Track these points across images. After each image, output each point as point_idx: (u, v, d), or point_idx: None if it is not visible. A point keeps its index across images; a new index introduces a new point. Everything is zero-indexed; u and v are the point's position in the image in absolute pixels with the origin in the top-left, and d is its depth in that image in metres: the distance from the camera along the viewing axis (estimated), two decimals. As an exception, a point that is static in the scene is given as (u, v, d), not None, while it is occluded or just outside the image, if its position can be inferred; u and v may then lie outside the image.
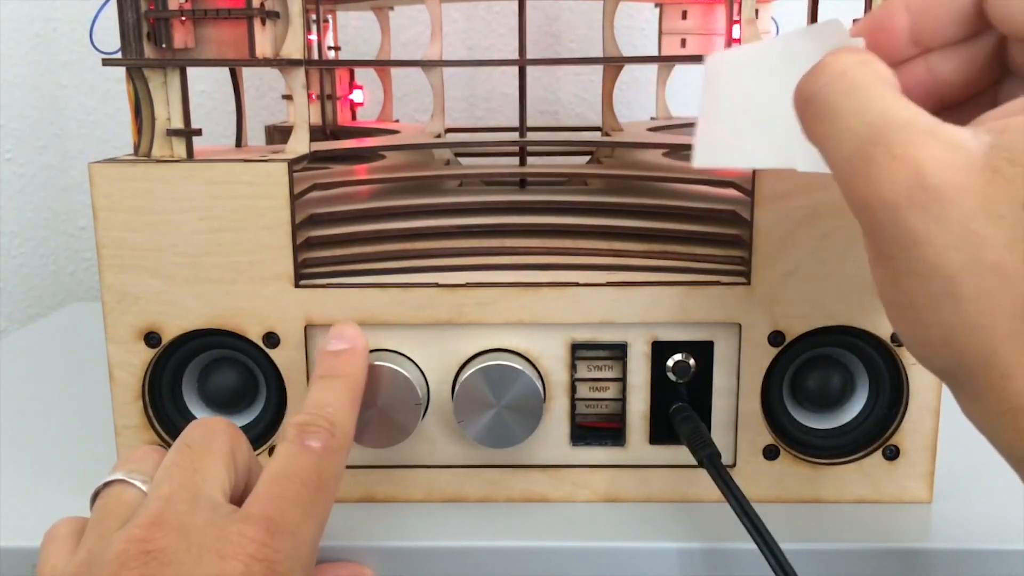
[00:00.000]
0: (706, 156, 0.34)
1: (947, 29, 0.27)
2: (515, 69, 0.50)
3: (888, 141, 0.24)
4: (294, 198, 0.39)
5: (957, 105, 0.29)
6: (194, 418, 0.42)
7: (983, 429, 0.24)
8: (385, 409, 0.38)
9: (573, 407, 0.41)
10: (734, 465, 0.41)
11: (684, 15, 0.61)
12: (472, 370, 0.39)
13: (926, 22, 0.27)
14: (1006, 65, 0.27)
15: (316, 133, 0.59)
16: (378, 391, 0.38)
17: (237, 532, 0.29)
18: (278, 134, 0.63)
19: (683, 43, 0.60)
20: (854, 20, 0.38)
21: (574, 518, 0.40)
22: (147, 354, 0.40)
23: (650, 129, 0.58)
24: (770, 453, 0.41)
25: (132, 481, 0.33)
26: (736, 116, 0.33)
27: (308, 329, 0.40)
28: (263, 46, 0.40)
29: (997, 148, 0.23)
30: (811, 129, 0.27)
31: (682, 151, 0.53)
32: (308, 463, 0.32)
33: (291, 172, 0.39)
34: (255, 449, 0.42)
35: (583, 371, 0.41)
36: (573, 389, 0.41)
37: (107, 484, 0.33)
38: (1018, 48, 0.26)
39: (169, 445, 0.41)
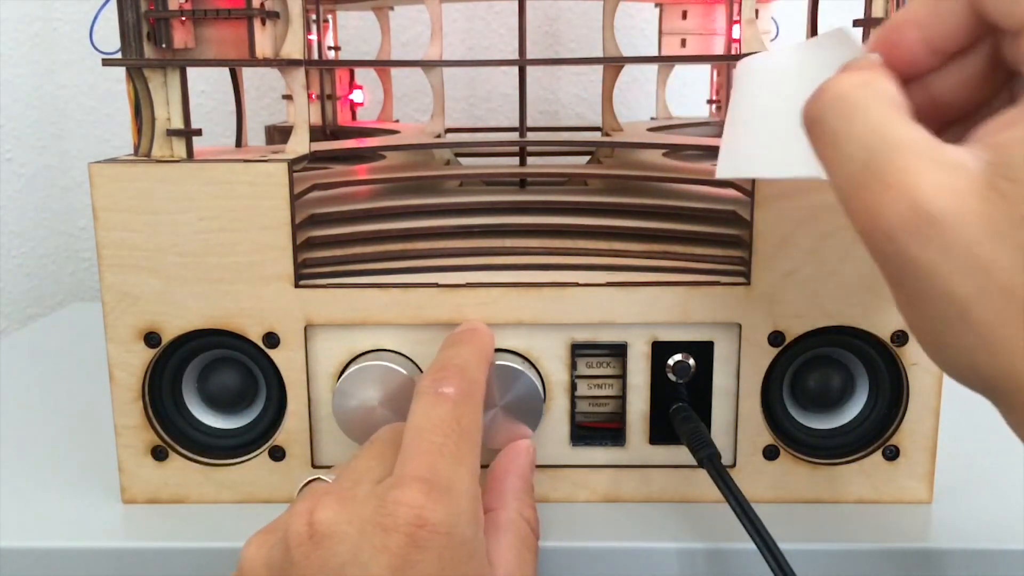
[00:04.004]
0: (730, 166, 0.33)
1: (954, 38, 0.27)
2: (515, 69, 0.50)
3: (883, 167, 0.23)
4: (294, 198, 0.39)
5: (961, 120, 0.28)
6: (194, 418, 0.42)
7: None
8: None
9: (573, 407, 0.41)
10: (734, 465, 0.41)
11: (684, 15, 0.61)
12: (472, 370, 0.39)
13: (934, 31, 0.27)
14: (1007, 69, 0.27)
15: (316, 133, 0.59)
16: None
17: (394, 500, 0.29)
18: (278, 134, 0.63)
19: (683, 43, 0.60)
20: (855, 21, 0.38)
21: (574, 518, 0.40)
22: (147, 354, 0.40)
23: (650, 129, 0.58)
24: (770, 453, 0.41)
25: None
26: (762, 124, 0.32)
27: (308, 329, 0.40)
28: (263, 46, 0.40)
29: (995, 166, 0.22)
30: (817, 153, 0.26)
31: (682, 151, 0.53)
32: (445, 411, 0.33)
33: (291, 172, 0.39)
34: (255, 449, 0.42)
35: (583, 371, 0.41)
36: (573, 389, 0.41)
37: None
38: (1010, 44, 0.26)
39: (169, 445, 0.42)
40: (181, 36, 0.39)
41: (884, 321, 0.39)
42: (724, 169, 0.34)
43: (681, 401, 0.41)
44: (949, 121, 0.28)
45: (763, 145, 0.32)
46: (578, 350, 0.40)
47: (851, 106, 0.25)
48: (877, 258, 0.24)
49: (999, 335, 0.22)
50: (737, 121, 0.34)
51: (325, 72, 0.62)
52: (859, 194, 0.24)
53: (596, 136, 0.58)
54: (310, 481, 0.34)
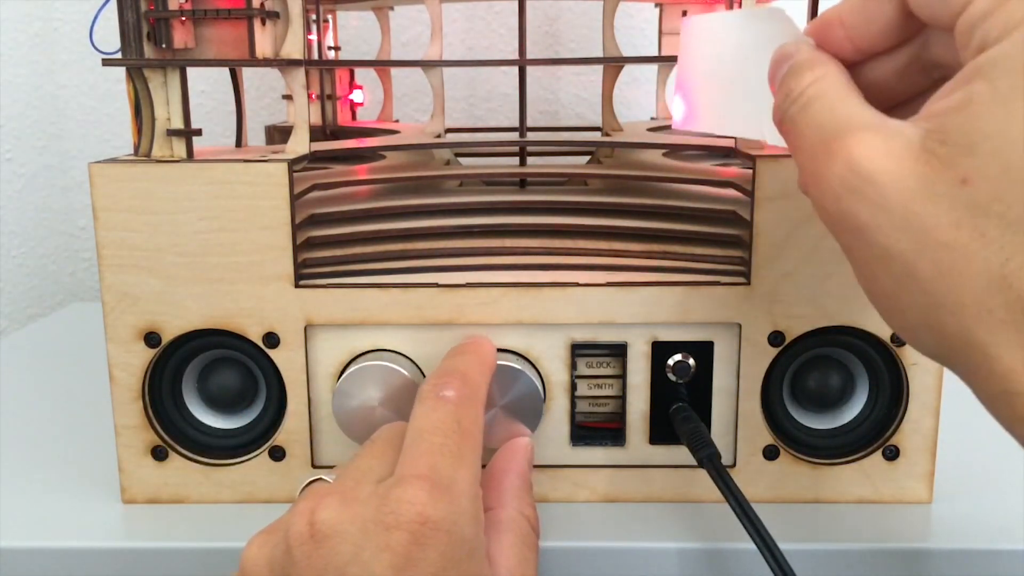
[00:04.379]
0: (684, 120, 0.37)
1: (882, 36, 0.28)
2: (515, 69, 0.50)
3: (830, 140, 0.25)
4: (294, 198, 0.39)
5: (900, 107, 0.30)
6: (194, 418, 0.42)
7: (988, 410, 0.24)
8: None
9: (573, 407, 0.41)
10: (734, 465, 0.41)
11: (684, 15, 0.61)
12: (472, 370, 0.39)
13: (860, 32, 0.28)
14: (938, 64, 0.28)
15: (316, 133, 0.59)
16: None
17: (396, 499, 0.30)
18: (278, 134, 0.63)
19: (683, 43, 0.60)
20: None
21: (574, 518, 0.40)
22: (147, 354, 0.40)
23: (650, 129, 0.58)
24: (770, 453, 0.41)
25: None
26: (707, 85, 0.35)
27: (308, 329, 0.40)
28: (263, 46, 0.40)
29: (928, 131, 0.24)
30: (790, 149, 0.28)
31: (682, 151, 0.53)
32: (446, 413, 0.33)
33: (291, 172, 0.39)
34: (255, 449, 0.42)
35: (583, 371, 0.41)
36: (573, 389, 0.41)
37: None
38: (941, 43, 0.27)
39: (169, 445, 0.42)
40: (181, 36, 0.39)
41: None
42: (677, 122, 0.37)
43: (681, 401, 0.41)
44: (900, 103, 0.29)
45: (709, 103, 0.35)
46: (578, 350, 0.40)
47: (809, 99, 0.27)
48: (828, 225, 0.26)
49: (944, 288, 0.23)
50: (685, 79, 0.37)
51: (325, 72, 0.62)
52: (811, 167, 0.26)
53: (596, 136, 0.58)
54: (312, 481, 0.34)
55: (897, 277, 0.24)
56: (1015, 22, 0.23)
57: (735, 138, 0.41)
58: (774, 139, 0.31)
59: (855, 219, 0.25)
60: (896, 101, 0.29)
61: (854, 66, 0.29)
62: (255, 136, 0.65)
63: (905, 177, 0.24)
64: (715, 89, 0.35)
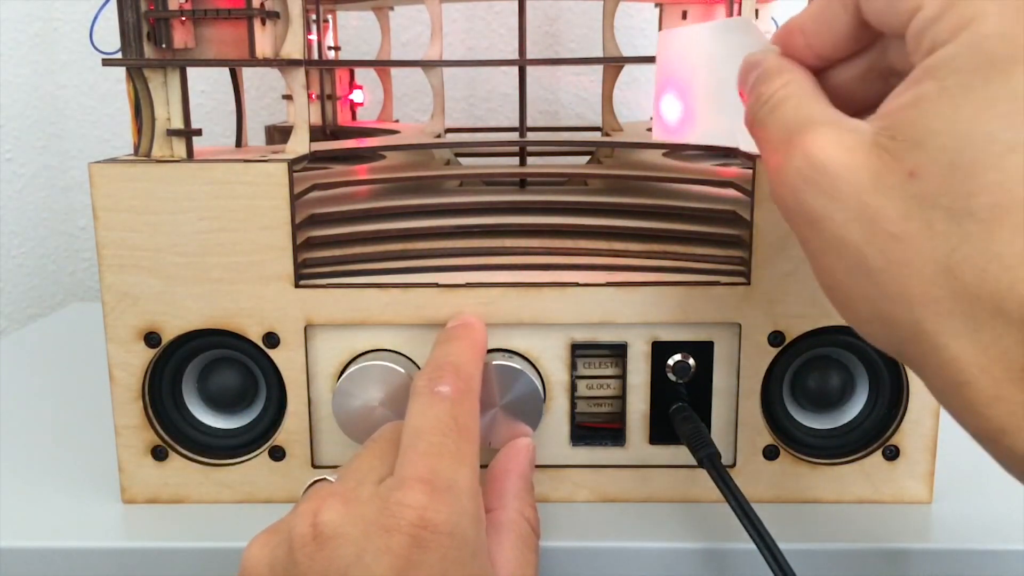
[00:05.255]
0: (663, 132, 0.38)
1: (840, 44, 0.29)
2: (515, 69, 0.50)
3: (792, 138, 0.27)
4: (294, 198, 0.39)
5: (864, 113, 0.31)
6: (194, 418, 0.42)
7: (938, 400, 0.25)
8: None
9: (573, 407, 0.41)
10: (734, 465, 0.41)
11: (684, 15, 0.61)
12: (472, 370, 0.39)
13: (819, 40, 0.29)
14: (896, 71, 0.29)
15: (316, 133, 0.59)
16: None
17: (397, 502, 0.30)
18: (278, 134, 0.63)
19: (683, 43, 0.60)
20: None
21: (574, 518, 0.40)
22: (147, 354, 0.40)
23: (650, 129, 0.58)
24: (770, 453, 0.41)
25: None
26: (685, 95, 0.36)
27: (308, 329, 0.40)
28: (263, 46, 0.40)
29: (881, 128, 0.25)
30: (759, 150, 0.29)
31: (682, 151, 0.53)
32: (442, 410, 0.33)
33: (291, 172, 0.39)
34: (255, 449, 0.42)
35: (583, 371, 0.41)
36: (573, 389, 0.41)
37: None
38: (897, 50, 0.28)
39: (169, 445, 0.42)
40: (181, 36, 0.39)
41: (884, 321, 0.39)
42: (658, 133, 0.39)
43: (681, 401, 0.41)
44: (863, 109, 0.30)
45: (686, 115, 0.37)
46: (578, 350, 0.40)
47: (777, 101, 0.28)
48: (786, 217, 0.27)
49: (893, 278, 0.24)
50: (661, 92, 0.38)
51: (325, 72, 0.62)
52: (774, 162, 0.27)
53: (596, 136, 0.58)
54: (315, 481, 0.34)
55: (849, 268, 0.25)
56: (962, 24, 0.23)
57: None
58: (747, 145, 0.32)
59: (810, 210, 0.25)
60: (859, 107, 0.30)
61: (817, 73, 0.30)
62: (255, 136, 0.65)
63: (857, 169, 0.24)
64: (690, 100, 0.36)
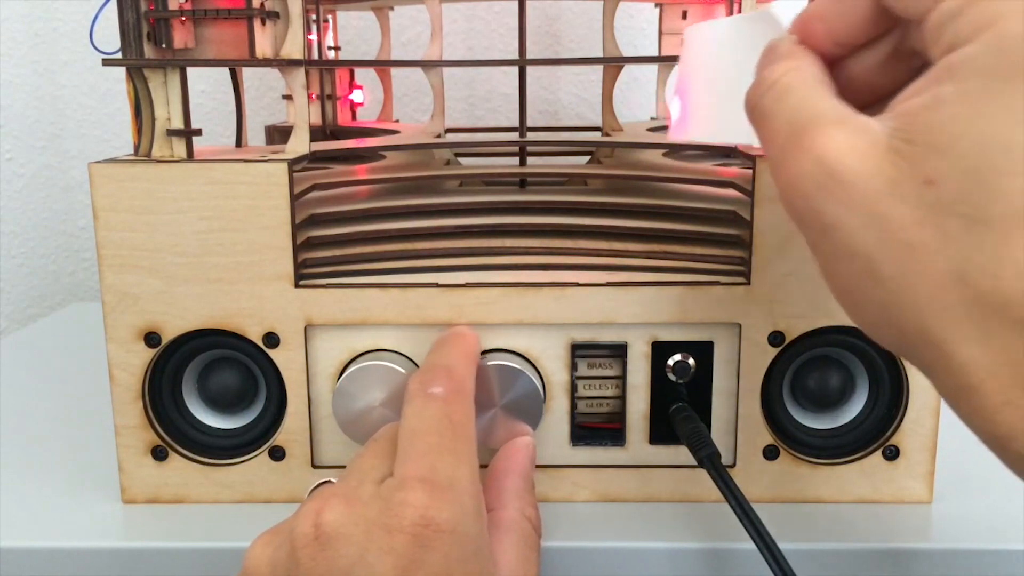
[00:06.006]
0: (680, 132, 0.37)
1: (859, 29, 0.28)
2: (515, 69, 0.50)
3: (801, 135, 0.25)
4: (294, 198, 0.39)
5: (886, 101, 0.30)
6: (194, 418, 0.42)
7: (947, 404, 0.25)
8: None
9: (573, 407, 0.41)
10: (734, 465, 0.41)
11: (684, 15, 0.61)
12: (472, 370, 0.39)
13: (838, 25, 0.28)
14: (919, 53, 0.28)
15: (316, 133, 0.59)
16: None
17: (399, 502, 0.30)
18: (278, 134, 0.63)
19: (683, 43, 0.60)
20: None
21: (574, 518, 0.40)
22: (147, 354, 0.40)
23: (650, 129, 0.58)
24: (770, 453, 0.41)
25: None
26: (704, 93, 0.35)
27: (308, 329, 0.40)
28: (263, 46, 0.40)
29: (896, 130, 0.24)
30: (757, 134, 0.29)
31: (682, 151, 0.53)
32: (437, 411, 0.33)
33: (291, 172, 0.39)
34: (255, 449, 0.42)
35: (583, 371, 0.41)
36: (573, 389, 0.41)
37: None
38: (919, 32, 0.27)
39: (169, 445, 0.42)
40: (181, 36, 0.39)
41: (884, 321, 0.39)
42: (675, 134, 0.37)
43: (681, 401, 0.41)
44: (874, 100, 0.29)
45: (702, 112, 0.35)
46: (578, 350, 0.40)
47: (782, 89, 0.27)
48: (794, 219, 0.26)
49: (904, 285, 0.23)
50: (681, 89, 0.36)
51: (325, 72, 0.62)
52: (780, 157, 0.26)
53: (596, 136, 0.58)
54: (320, 484, 0.34)
55: (860, 274, 0.24)
56: (985, 22, 0.23)
57: None
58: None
59: (822, 216, 0.25)
60: (881, 95, 0.29)
61: (838, 61, 0.29)
62: (255, 136, 0.65)
63: (872, 176, 0.24)
64: (708, 97, 0.35)
